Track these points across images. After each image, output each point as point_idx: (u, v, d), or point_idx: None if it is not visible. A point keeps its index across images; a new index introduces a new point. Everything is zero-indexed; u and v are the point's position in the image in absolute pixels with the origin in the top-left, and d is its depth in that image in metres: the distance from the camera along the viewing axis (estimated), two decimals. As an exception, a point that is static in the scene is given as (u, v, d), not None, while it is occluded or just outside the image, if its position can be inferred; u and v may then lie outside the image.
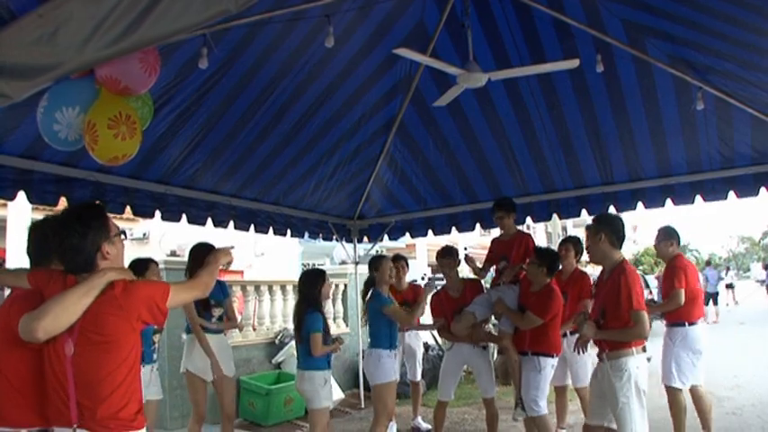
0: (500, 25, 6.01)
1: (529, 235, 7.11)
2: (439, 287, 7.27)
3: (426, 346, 8.73)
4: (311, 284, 6.03)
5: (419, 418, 8.46)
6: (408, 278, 8.52)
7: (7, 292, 3.50)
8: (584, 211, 8.15)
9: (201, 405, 6.34)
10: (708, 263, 30.84)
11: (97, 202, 5.87)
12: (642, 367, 4.81)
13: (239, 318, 8.22)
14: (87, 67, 3.16)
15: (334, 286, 11.70)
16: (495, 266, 7.09)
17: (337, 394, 9.48)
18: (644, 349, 4.85)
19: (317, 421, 5.83)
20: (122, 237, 3.15)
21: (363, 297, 6.88)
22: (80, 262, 2.96)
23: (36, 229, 3.46)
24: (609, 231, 4.97)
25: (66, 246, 2.96)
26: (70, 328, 2.83)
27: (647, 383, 4.82)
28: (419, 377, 8.59)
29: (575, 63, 5.34)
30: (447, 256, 6.97)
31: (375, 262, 6.65)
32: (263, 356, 9.84)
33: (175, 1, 2.47)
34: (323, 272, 6.24)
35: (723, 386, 9.67)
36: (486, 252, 7.39)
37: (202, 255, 6.20)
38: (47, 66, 2.64)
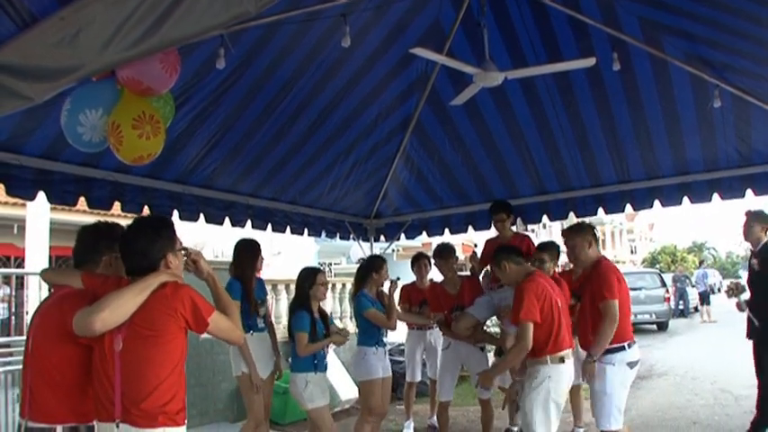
0: (516, 24, 6.00)
1: (527, 236, 7.10)
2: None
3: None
4: (301, 282, 6.04)
5: (435, 418, 8.47)
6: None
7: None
8: (600, 210, 8.13)
9: (259, 405, 6.12)
10: (700, 263, 31.30)
11: (112, 206, 5.95)
12: (555, 378, 4.90)
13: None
14: (109, 69, 3.20)
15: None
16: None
17: (352, 393, 9.51)
18: (561, 360, 4.96)
19: (317, 422, 5.86)
20: (183, 253, 3.35)
21: (353, 296, 6.81)
22: (145, 265, 3.15)
23: (86, 233, 3.58)
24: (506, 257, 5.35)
25: (135, 248, 3.18)
26: (120, 324, 2.99)
27: (563, 395, 4.99)
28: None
29: (591, 62, 5.33)
30: (444, 255, 7.03)
31: (376, 263, 6.68)
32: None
33: (195, 3, 2.49)
34: (316, 270, 6.22)
35: (741, 385, 9.60)
36: None
37: (247, 251, 6.22)
38: (68, 68, 2.67)
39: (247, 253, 6.22)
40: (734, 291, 7.43)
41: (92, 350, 3.11)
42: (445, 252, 7.07)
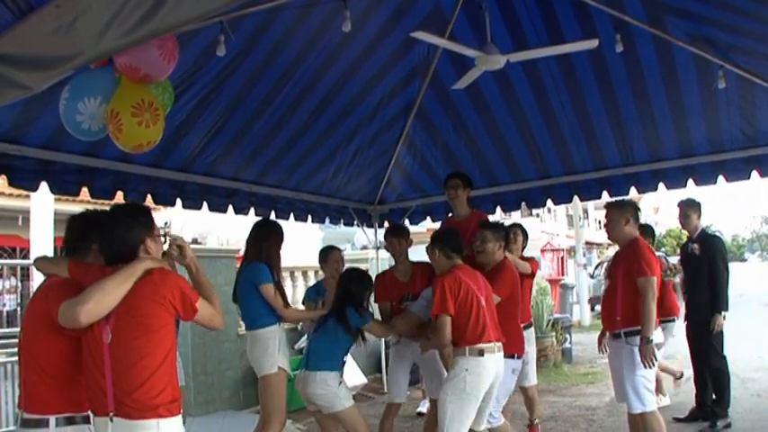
0: (518, 6, 5.95)
1: (484, 214, 6.75)
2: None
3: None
4: (358, 282, 5.56)
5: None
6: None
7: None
8: (605, 193, 8.08)
9: (284, 405, 5.48)
10: None
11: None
12: (474, 371, 4.81)
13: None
14: (106, 56, 3.18)
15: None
16: None
17: (359, 379, 9.52)
18: (480, 353, 4.84)
19: (351, 422, 5.30)
20: (162, 238, 3.36)
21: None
22: (124, 252, 3.11)
23: (75, 221, 3.57)
24: (441, 246, 5.22)
25: (113, 236, 3.15)
26: (107, 315, 2.95)
27: (481, 389, 4.85)
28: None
29: (594, 43, 5.29)
30: (397, 234, 6.22)
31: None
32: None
33: (192, -13, 2.46)
34: (371, 278, 5.83)
35: (748, 367, 9.61)
36: None
37: (273, 234, 5.74)
38: (66, 56, 2.66)
39: (273, 236, 5.70)
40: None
41: (80, 341, 3.09)
42: (402, 230, 6.33)
